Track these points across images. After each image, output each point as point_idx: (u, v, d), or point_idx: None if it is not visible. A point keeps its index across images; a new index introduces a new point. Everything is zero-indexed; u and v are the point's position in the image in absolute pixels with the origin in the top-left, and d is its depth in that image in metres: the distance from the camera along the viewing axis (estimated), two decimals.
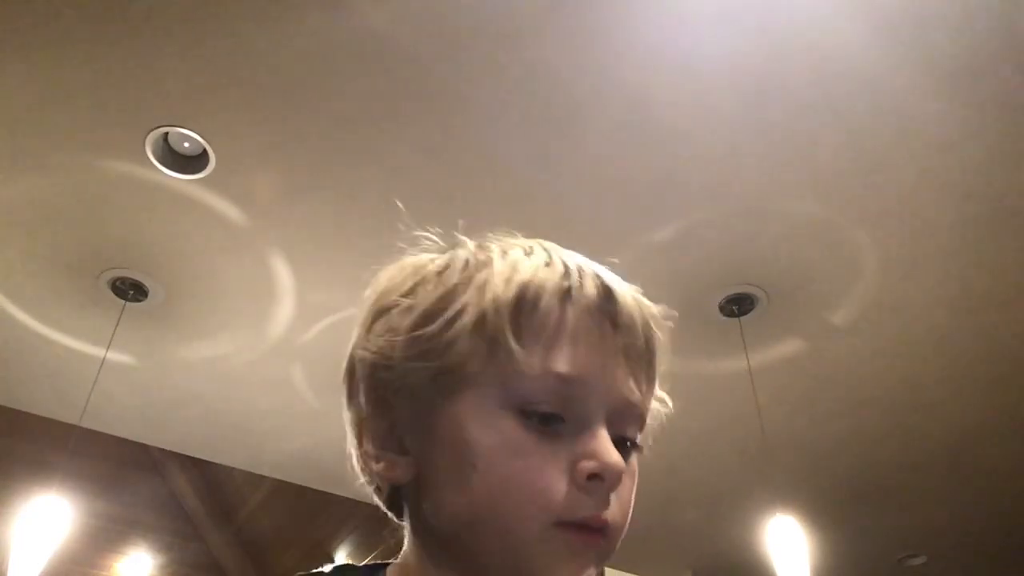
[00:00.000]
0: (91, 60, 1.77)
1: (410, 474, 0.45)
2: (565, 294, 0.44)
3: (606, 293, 0.45)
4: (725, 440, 2.95)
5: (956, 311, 2.38)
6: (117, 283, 2.32)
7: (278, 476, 3.21)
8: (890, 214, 2.10)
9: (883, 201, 2.07)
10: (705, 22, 1.71)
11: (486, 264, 0.46)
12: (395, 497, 0.50)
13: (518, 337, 0.42)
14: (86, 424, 2.93)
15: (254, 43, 1.74)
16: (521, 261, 0.46)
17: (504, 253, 0.47)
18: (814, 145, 1.94)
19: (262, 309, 2.40)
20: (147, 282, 2.31)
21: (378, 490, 0.50)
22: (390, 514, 0.52)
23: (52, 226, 2.16)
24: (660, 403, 0.51)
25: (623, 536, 0.45)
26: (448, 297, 0.44)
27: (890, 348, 2.51)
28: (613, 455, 0.42)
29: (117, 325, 2.46)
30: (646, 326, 0.46)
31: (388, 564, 0.52)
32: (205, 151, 1.97)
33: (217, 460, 3.13)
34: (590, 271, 0.46)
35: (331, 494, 4.39)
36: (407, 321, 0.45)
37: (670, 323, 0.48)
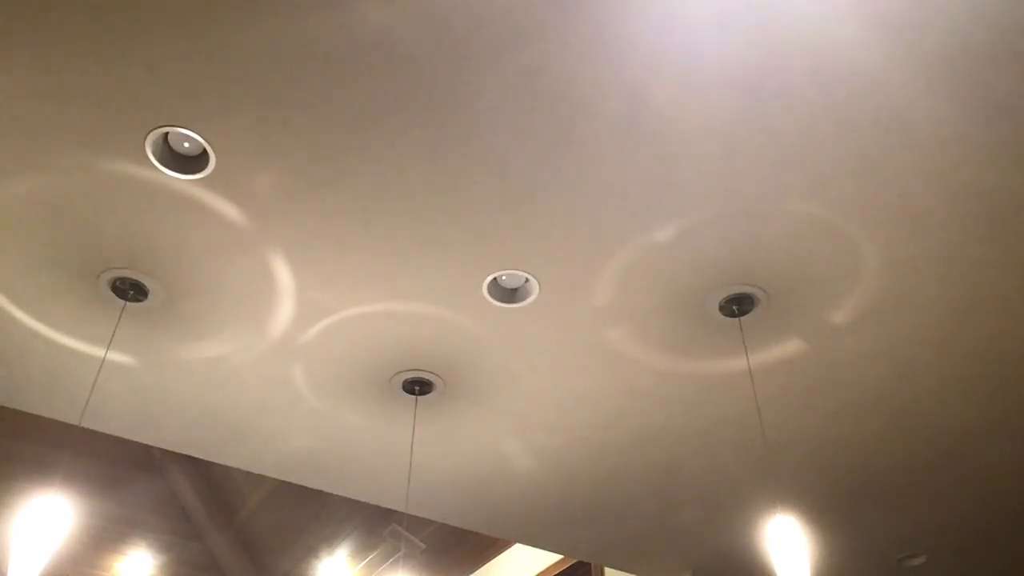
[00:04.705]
0: (91, 59, 1.77)
1: None
2: None
3: None
4: (725, 440, 2.96)
5: (956, 311, 2.38)
6: (117, 283, 2.32)
7: (278, 476, 3.21)
8: (890, 214, 2.10)
9: (883, 201, 2.07)
10: (705, 22, 1.71)
11: None
12: None
13: None
14: (86, 424, 2.94)
15: (255, 43, 1.74)
16: None
17: None
18: (814, 145, 1.94)
19: (262, 309, 2.40)
20: (147, 282, 2.31)
21: None
22: None
23: (52, 226, 2.17)
24: None
25: None
26: None
27: (890, 348, 2.52)
28: None
29: (117, 325, 2.46)
30: None
31: None
32: (205, 151, 1.97)
33: (217, 460, 3.13)
34: None
35: (331, 494, 4.39)
36: None
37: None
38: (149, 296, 2.36)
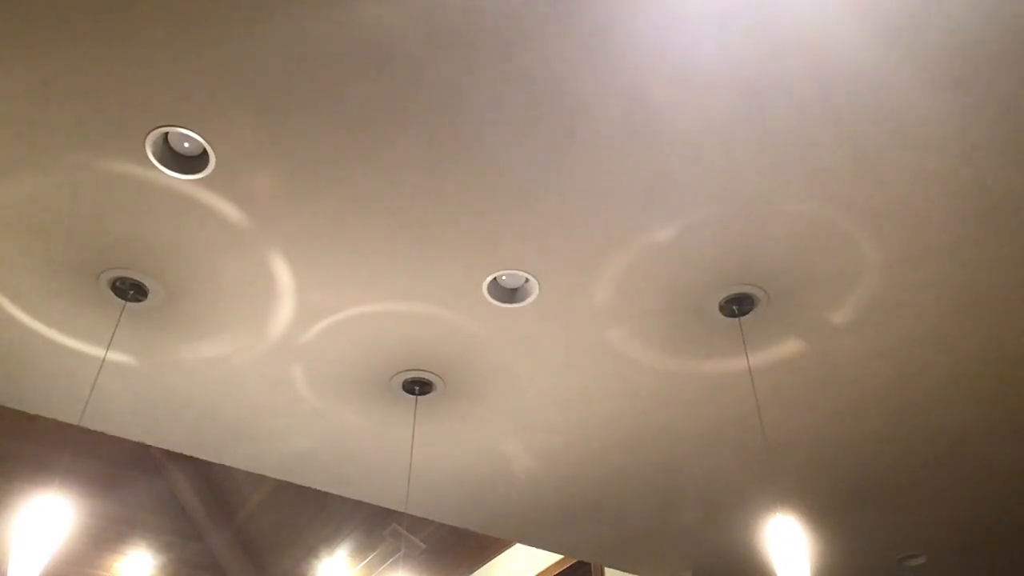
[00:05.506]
0: (91, 60, 1.77)
1: None
2: None
3: None
4: (725, 440, 2.95)
5: (956, 311, 2.38)
6: (117, 283, 2.32)
7: (278, 476, 3.21)
8: (890, 214, 2.10)
9: (883, 201, 2.07)
10: (705, 22, 1.71)
11: None
12: None
13: None
14: (86, 424, 2.94)
15: (255, 43, 1.74)
16: None
17: None
18: (814, 145, 1.94)
19: (262, 309, 2.40)
20: (147, 282, 2.31)
21: None
22: None
23: (52, 226, 2.17)
24: None
25: None
26: None
27: (890, 348, 2.52)
28: None
29: (117, 325, 2.46)
30: None
31: None
32: (205, 151, 1.97)
33: (217, 460, 3.13)
34: None
35: (331, 494, 4.39)
36: None
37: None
38: (149, 296, 2.36)
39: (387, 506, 3.42)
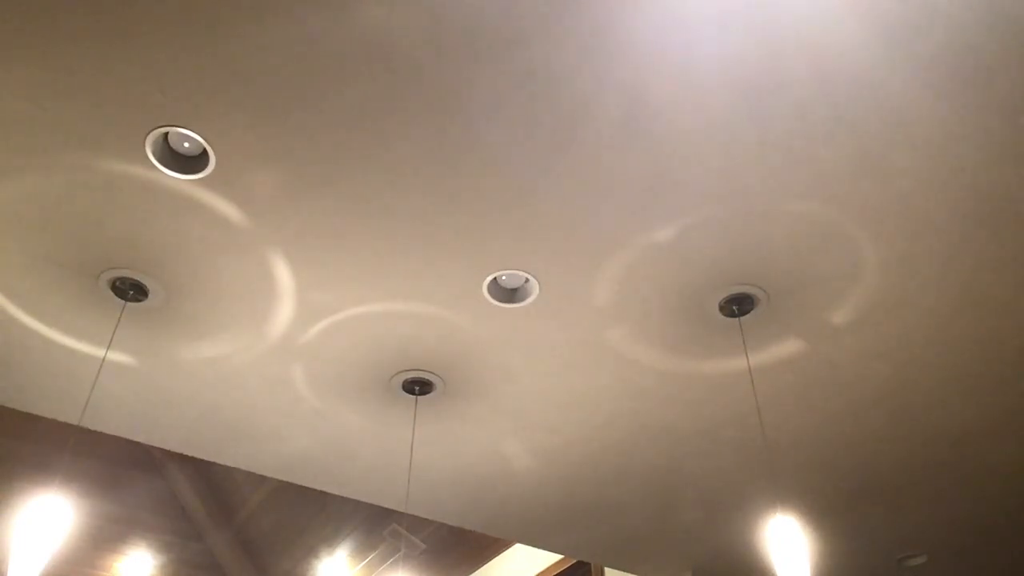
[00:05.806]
0: (91, 59, 1.77)
1: None
2: None
3: None
4: (725, 440, 2.95)
5: (956, 311, 2.38)
6: (117, 283, 2.32)
7: (278, 476, 3.21)
8: (890, 214, 2.10)
9: (883, 201, 2.07)
10: (705, 22, 1.71)
11: None
12: None
13: None
14: (86, 424, 2.94)
15: (255, 43, 1.74)
16: None
17: None
18: (814, 145, 1.94)
19: (262, 309, 2.40)
20: (147, 282, 2.31)
21: None
22: None
23: (52, 226, 2.17)
24: None
25: None
26: None
27: (890, 348, 2.52)
28: None
29: (117, 325, 2.46)
30: None
31: None
32: (205, 151, 1.97)
33: (217, 460, 3.13)
34: None
35: (331, 494, 4.39)
36: None
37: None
38: (149, 296, 2.36)
39: (387, 506, 3.42)
